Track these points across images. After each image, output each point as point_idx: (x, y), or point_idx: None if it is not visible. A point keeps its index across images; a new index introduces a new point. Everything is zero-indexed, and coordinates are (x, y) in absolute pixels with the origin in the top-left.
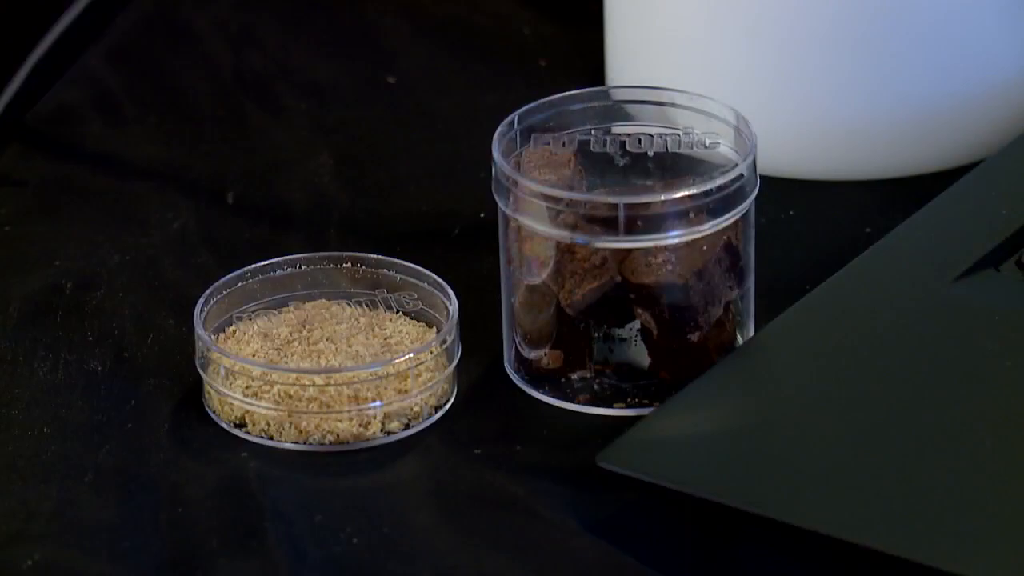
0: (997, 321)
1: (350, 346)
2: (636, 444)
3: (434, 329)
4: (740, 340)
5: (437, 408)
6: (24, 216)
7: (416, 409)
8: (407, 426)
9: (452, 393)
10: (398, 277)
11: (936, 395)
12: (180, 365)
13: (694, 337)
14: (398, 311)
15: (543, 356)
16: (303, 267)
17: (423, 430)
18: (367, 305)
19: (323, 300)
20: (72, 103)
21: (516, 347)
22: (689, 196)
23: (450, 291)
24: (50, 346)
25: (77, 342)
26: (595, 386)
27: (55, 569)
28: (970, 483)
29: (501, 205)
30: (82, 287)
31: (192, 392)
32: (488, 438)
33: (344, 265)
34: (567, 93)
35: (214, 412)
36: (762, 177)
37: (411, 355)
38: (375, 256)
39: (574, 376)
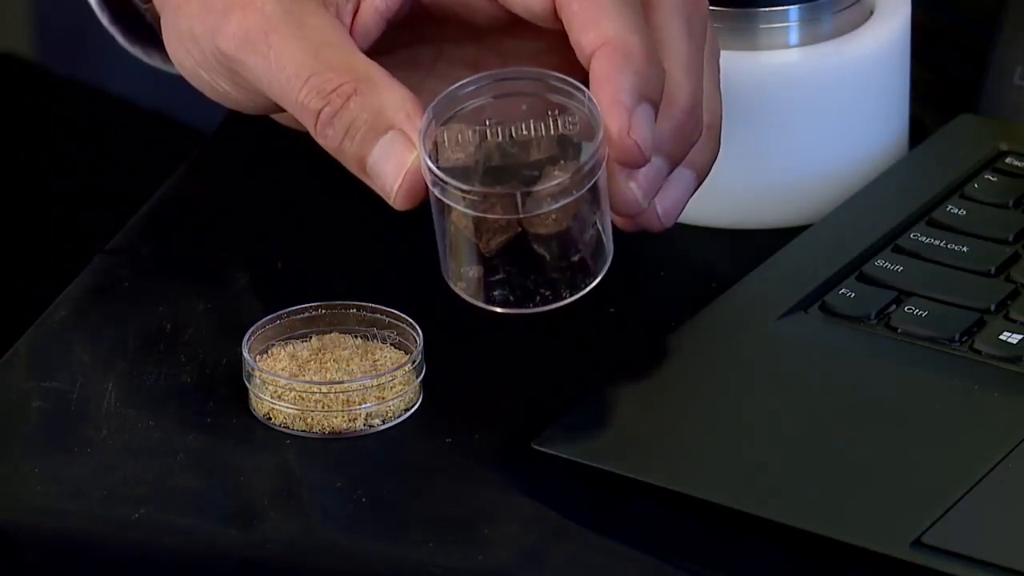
0: (805, 349)
1: (348, 365)
2: (560, 431)
3: (407, 354)
4: (606, 245)
5: (407, 410)
6: (138, 276)
7: (391, 411)
8: (384, 422)
9: (418, 399)
10: (386, 319)
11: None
12: (239, 378)
13: (575, 257)
14: (384, 342)
15: (471, 269)
16: (323, 311)
17: (396, 425)
18: (364, 338)
19: (335, 333)
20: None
21: (448, 265)
22: (564, 178)
23: (418, 329)
24: (155, 365)
25: (173, 363)
26: (510, 288)
27: (154, 520)
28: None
29: (437, 194)
30: (177, 327)
31: (246, 396)
32: (444, 430)
33: (351, 310)
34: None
35: (254, 410)
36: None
37: (387, 373)
38: (371, 304)
39: (493, 279)
